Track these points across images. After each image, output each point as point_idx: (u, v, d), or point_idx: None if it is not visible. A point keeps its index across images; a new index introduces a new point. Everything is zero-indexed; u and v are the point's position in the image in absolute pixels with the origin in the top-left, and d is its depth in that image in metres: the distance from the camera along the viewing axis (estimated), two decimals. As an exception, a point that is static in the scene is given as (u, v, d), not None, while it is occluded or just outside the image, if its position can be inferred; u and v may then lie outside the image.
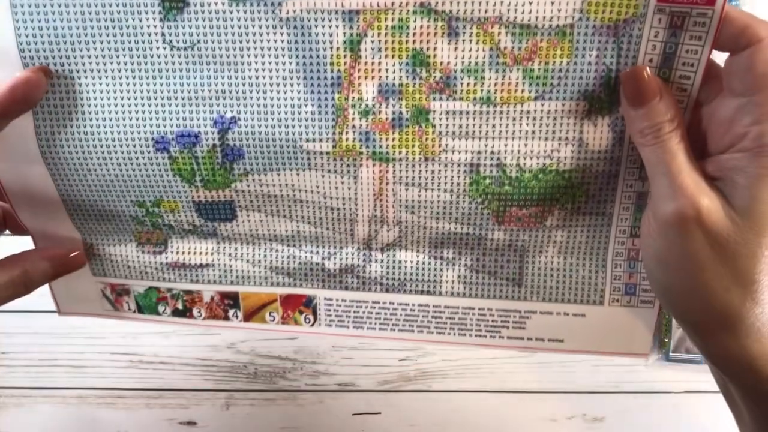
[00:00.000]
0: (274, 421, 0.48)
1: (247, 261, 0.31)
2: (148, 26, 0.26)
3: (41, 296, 0.40)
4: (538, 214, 0.28)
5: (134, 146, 0.27)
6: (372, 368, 0.48)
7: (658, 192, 0.23)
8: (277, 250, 0.31)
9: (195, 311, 0.33)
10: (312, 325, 0.32)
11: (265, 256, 0.31)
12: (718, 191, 0.23)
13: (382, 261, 0.30)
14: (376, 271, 0.30)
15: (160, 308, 0.33)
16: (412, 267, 0.30)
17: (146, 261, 0.32)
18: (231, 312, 0.33)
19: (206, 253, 0.31)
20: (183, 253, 0.31)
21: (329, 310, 0.32)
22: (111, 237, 0.31)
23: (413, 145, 0.27)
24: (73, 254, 0.31)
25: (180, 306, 0.33)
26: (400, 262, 0.30)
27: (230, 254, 0.31)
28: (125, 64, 0.26)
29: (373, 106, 0.26)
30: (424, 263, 0.30)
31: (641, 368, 0.47)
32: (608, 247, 0.28)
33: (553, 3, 0.24)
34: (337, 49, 0.26)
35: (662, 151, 0.23)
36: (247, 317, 0.33)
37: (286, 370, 0.48)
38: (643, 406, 0.46)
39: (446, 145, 0.27)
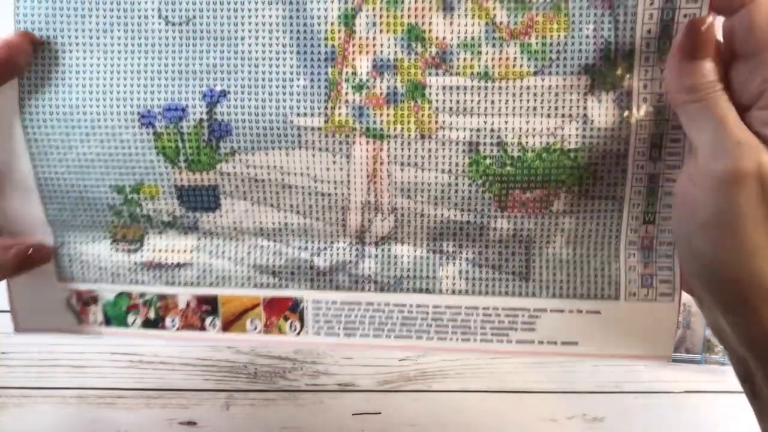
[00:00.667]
0: (274, 421, 0.49)
1: (229, 259, 0.30)
2: (146, 1, 0.27)
3: None
4: (543, 198, 0.27)
5: (119, 120, 0.27)
6: (372, 368, 0.49)
7: (709, 149, 0.22)
8: (262, 246, 0.29)
9: (168, 320, 0.31)
10: (298, 333, 0.30)
11: (249, 252, 0.29)
12: None
13: (376, 256, 0.29)
14: (370, 268, 0.29)
15: (129, 318, 0.31)
16: (409, 262, 0.29)
17: (120, 261, 0.30)
18: (208, 320, 0.30)
19: (185, 251, 0.30)
20: (160, 251, 0.30)
21: (318, 315, 0.30)
22: (84, 233, 0.30)
23: (409, 122, 0.27)
24: (39, 247, 0.29)
25: (152, 315, 0.31)
26: (396, 257, 0.29)
27: (211, 251, 0.30)
28: (119, 38, 0.27)
29: (368, 80, 0.26)
30: (422, 258, 0.29)
31: (641, 368, 0.48)
32: (621, 235, 0.27)
33: (548, -25, 0.25)
34: (332, 24, 0.26)
35: (716, 107, 0.22)
36: (226, 326, 0.30)
37: (286, 370, 0.49)
38: (643, 406, 0.47)
39: (443, 122, 0.27)
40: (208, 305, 0.30)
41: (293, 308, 0.30)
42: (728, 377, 0.50)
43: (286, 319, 0.30)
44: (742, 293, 0.22)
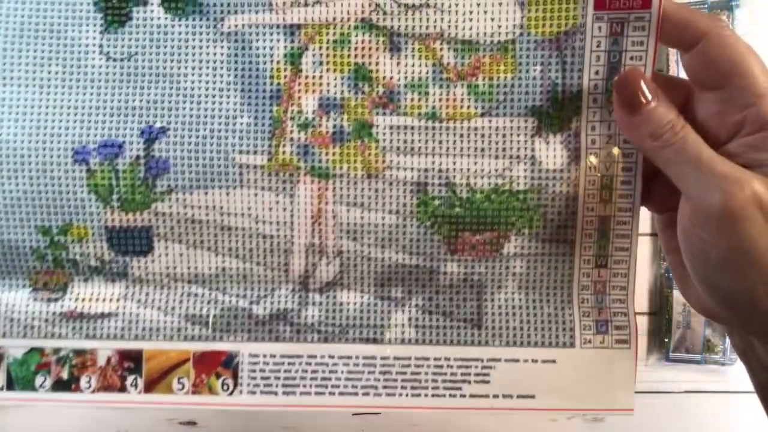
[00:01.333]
0: (274, 421, 0.49)
1: (159, 308, 0.28)
2: (87, 37, 0.27)
3: None
4: (493, 241, 0.27)
5: (51, 156, 0.26)
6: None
7: (697, 189, 0.23)
8: (196, 294, 0.28)
9: (83, 381, 0.28)
10: (231, 393, 0.28)
11: (181, 301, 0.28)
12: (758, 172, 0.22)
13: (320, 303, 0.28)
14: (313, 317, 0.28)
15: (38, 380, 0.28)
16: (355, 309, 0.27)
17: (37, 311, 0.28)
18: (129, 380, 0.28)
19: (111, 300, 0.28)
20: (84, 299, 0.28)
21: (254, 371, 0.28)
22: (1, 280, 0.28)
23: (355, 161, 0.27)
24: None
25: (65, 375, 0.28)
26: (341, 304, 0.28)
27: (140, 300, 0.28)
28: (56, 73, 0.27)
29: (313, 119, 0.27)
30: (369, 305, 0.28)
31: (641, 368, 0.48)
32: (573, 279, 0.27)
33: (493, 19, 0.26)
34: (278, 62, 0.27)
35: (688, 147, 0.23)
36: (149, 386, 0.28)
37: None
38: (643, 406, 0.47)
39: (391, 161, 0.27)
40: (131, 362, 0.28)
41: (227, 364, 0.28)
42: (728, 377, 0.51)
43: (218, 376, 0.28)
44: (763, 319, 0.22)
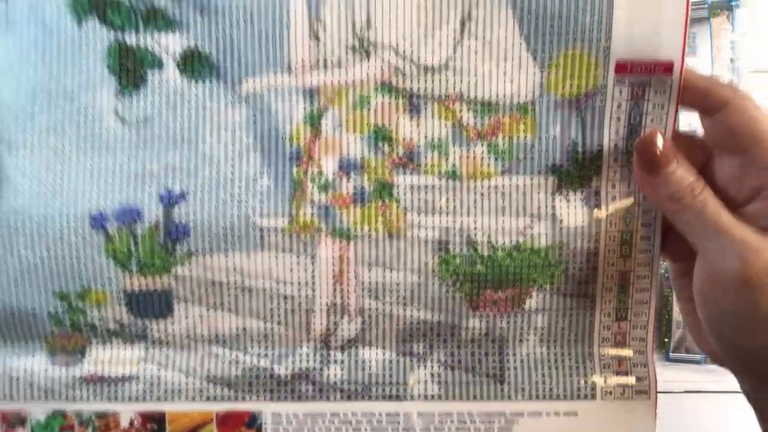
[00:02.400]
0: None
1: (180, 370, 0.29)
2: (101, 102, 0.27)
3: None
4: (515, 297, 0.28)
5: (68, 224, 0.27)
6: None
7: (715, 253, 0.24)
8: (217, 355, 0.29)
9: (107, 445, 0.29)
10: (256, 453, 0.29)
11: (202, 362, 0.29)
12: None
13: (342, 362, 0.29)
14: (335, 375, 0.29)
15: (62, 444, 0.29)
16: (377, 367, 0.29)
17: (56, 375, 0.29)
18: (154, 440, 0.29)
19: (131, 362, 0.29)
20: (103, 362, 0.29)
21: (277, 431, 0.29)
22: (18, 345, 0.29)
23: (376, 221, 0.28)
24: None
25: (88, 438, 0.29)
26: (363, 361, 0.29)
27: (160, 362, 0.29)
28: (70, 138, 0.27)
29: (334, 180, 0.28)
30: (391, 361, 0.29)
31: None
32: (594, 332, 0.28)
33: (512, 81, 0.27)
34: (297, 124, 0.27)
35: (707, 211, 0.24)
36: (175, 447, 0.29)
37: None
38: None
39: (412, 221, 0.28)
40: (154, 423, 0.29)
41: (250, 424, 0.29)
42: (728, 377, 0.51)
43: (242, 435, 0.29)
44: None
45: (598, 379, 0.28)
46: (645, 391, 0.28)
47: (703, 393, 0.53)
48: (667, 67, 0.26)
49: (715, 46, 0.54)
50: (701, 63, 0.55)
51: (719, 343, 0.26)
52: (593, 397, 0.28)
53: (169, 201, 0.27)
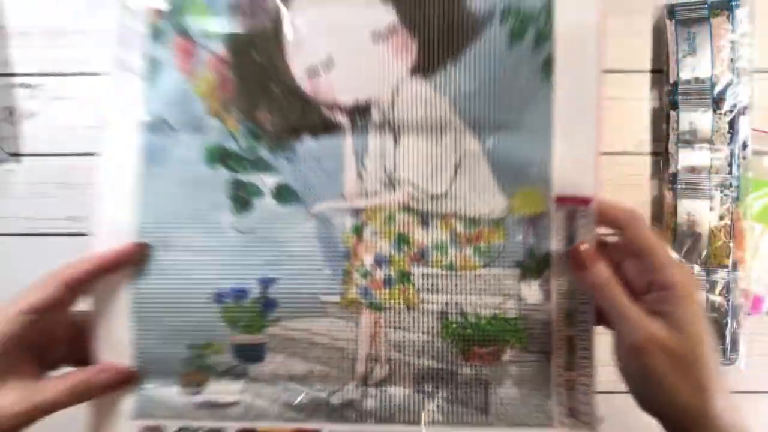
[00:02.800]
0: None
1: (267, 398, 0.43)
2: (223, 219, 0.43)
3: None
4: (495, 352, 0.41)
5: (198, 299, 0.42)
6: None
7: (622, 329, 0.36)
8: (291, 389, 0.43)
9: (217, 450, 0.43)
10: (316, 458, 0.42)
11: (281, 394, 0.43)
12: (660, 318, 0.35)
13: (375, 395, 0.42)
14: (371, 405, 0.42)
15: (186, 449, 0.43)
16: (400, 399, 0.42)
17: (183, 401, 0.43)
18: (247, 449, 0.43)
19: (234, 393, 0.43)
20: (216, 393, 0.43)
21: (331, 443, 0.42)
22: (159, 380, 0.44)
23: (399, 298, 0.42)
24: (131, 370, 0.42)
25: (204, 446, 0.43)
26: (390, 395, 0.42)
27: (254, 393, 0.43)
28: (204, 242, 0.43)
29: (371, 270, 0.42)
30: (409, 396, 0.42)
31: None
32: (551, 379, 0.41)
33: (488, 205, 0.41)
34: (347, 233, 0.42)
35: (615, 298, 0.37)
36: (261, 453, 0.43)
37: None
38: None
39: (423, 298, 0.42)
40: (248, 436, 0.43)
41: (314, 438, 0.42)
42: (728, 377, 0.52)
43: (308, 446, 0.42)
44: (677, 422, 0.35)
45: (554, 413, 0.40)
46: (589, 422, 0.40)
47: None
48: (587, 201, 0.39)
49: (715, 46, 0.54)
50: (701, 63, 0.55)
51: (636, 399, 0.38)
52: (551, 425, 0.40)
53: (265, 284, 0.42)
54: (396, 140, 0.42)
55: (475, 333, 0.41)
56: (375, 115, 0.42)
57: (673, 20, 0.55)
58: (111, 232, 0.42)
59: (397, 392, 0.42)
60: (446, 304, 0.42)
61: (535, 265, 0.41)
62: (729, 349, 0.54)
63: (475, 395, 0.41)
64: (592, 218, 0.40)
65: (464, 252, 0.42)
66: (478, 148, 0.41)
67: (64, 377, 0.40)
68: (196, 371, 0.43)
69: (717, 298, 0.54)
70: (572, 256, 0.39)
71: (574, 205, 0.40)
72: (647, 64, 0.58)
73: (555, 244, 0.41)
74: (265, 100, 0.43)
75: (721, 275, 0.54)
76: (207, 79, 0.43)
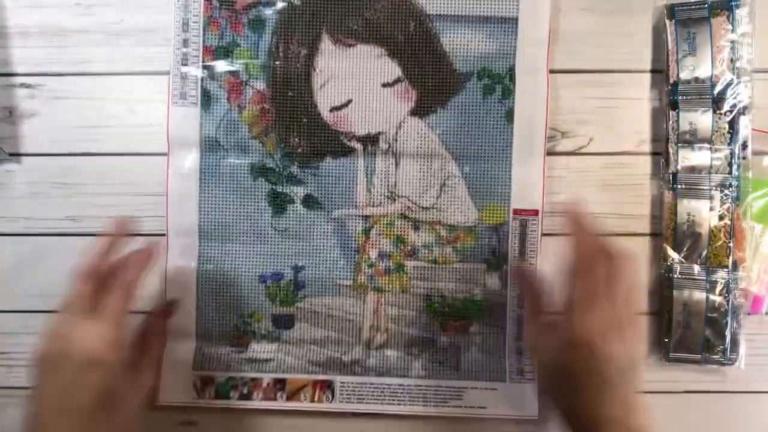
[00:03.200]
0: (276, 421, 0.58)
1: (294, 356, 0.57)
2: (264, 220, 0.58)
3: (40, 297, 0.58)
4: (465, 326, 0.56)
5: (246, 280, 0.57)
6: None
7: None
8: (312, 349, 0.57)
9: (254, 395, 0.58)
10: (330, 402, 0.57)
11: (305, 353, 0.57)
12: (552, 331, 0.46)
13: (376, 356, 0.57)
14: (372, 363, 0.56)
15: (231, 394, 0.58)
16: (394, 359, 0.56)
17: (232, 358, 0.58)
18: (279, 394, 0.58)
19: (270, 352, 0.58)
20: (257, 351, 0.58)
21: (342, 390, 0.57)
22: (215, 342, 0.58)
23: (396, 284, 0.56)
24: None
25: (245, 391, 0.58)
26: (387, 356, 0.57)
27: (285, 352, 0.57)
28: (248, 238, 0.57)
29: (375, 262, 0.57)
30: (401, 357, 0.56)
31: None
32: (505, 346, 0.55)
33: (464, 215, 0.56)
34: (358, 233, 0.57)
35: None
36: (289, 397, 0.57)
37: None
38: None
39: (414, 284, 0.56)
40: (280, 384, 0.57)
41: (329, 386, 0.57)
42: (728, 377, 0.55)
43: (323, 392, 0.57)
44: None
45: (507, 371, 0.55)
46: (532, 379, 0.55)
47: (703, 393, 0.54)
48: (535, 212, 0.54)
49: (715, 46, 0.54)
50: (701, 63, 0.54)
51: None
52: (504, 380, 0.55)
53: (296, 270, 0.57)
54: (397, 164, 0.57)
55: (451, 311, 0.56)
56: (382, 143, 0.57)
57: (673, 20, 0.54)
58: (180, 232, 0.57)
59: (392, 354, 0.57)
60: (431, 289, 0.56)
61: (496, 262, 0.55)
62: (729, 349, 0.53)
63: (450, 357, 0.56)
64: (539, 227, 0.54)
65: (445, 250, 0.56)
66: (458, 173, 0.56)
67: (149, 362, 0.52)
68: (242, 335, 0.58)
69: (717, 298, 0.53)
70: (515, 275, 0.54)
71: (525, 216, 0.54)
72: (647, 64, 0.57)
73: (510, 246, 0.55)
74: (296, 128, 0.57)
75: (721, 275, 0.53)
76: (251, 110, 0.57)
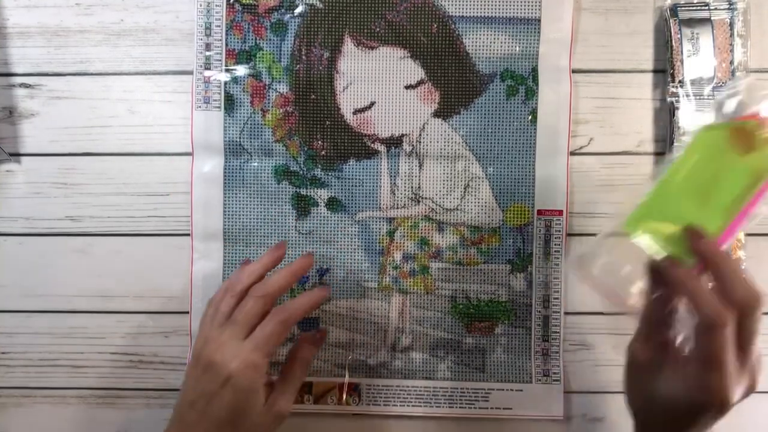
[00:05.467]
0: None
1: (320, 359, 0.61)
2: (289, 223, 0.61)
3: (41, 297, 0.60)
4: (490, 327, 0.58)
5: (271, 282, 0.60)
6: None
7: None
8: (339, 352, 0.61)
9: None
10: (357, 404, 0.60)
11: (331, 355, 0.61)
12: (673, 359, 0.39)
13: (402, 358, 0.60)
14: (398, 365, 0.59)
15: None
16: (420, 361, 0.59)
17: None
18: (305, 397, 0.61)
19: (295, 354, 0.61)
20: (282, 355, 0.61)
21: (369, 393, 0.60)
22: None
23: (420, 286, 0.59)
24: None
25: (271, 393, 0.61)
26: (413, 358, 0.59)
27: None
28: (273, 241, 0.60)
29: (400, 264, 0.60)
30: (427, 359, 0.59)
31: None
32: (531, 347, 0.58)
33: (489, 217, 0.59)
34: (383, 235, 0.60)
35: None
36: (316, 400, 0.60)
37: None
38: None
39: (438, 285, 0.59)
40: (307, 387, 0.60)
41: (355, 389, 0.60)
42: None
43: (350, 395, 0.60)
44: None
45: (533, 373, 0.58)
46: (558, 380, 0.57)
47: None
48: (559, 212, 0.57)
49: (716, 46, 0.56)
50: (703, 63, 0.56)
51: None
52: (530, 381, 0.58)
53: (321, 272, 0.60)
54: (421, 165, 0.59)
55: (476, 312, 0.59)
56: (405, 145, 0.59)
57: (676, 20, 0.56)
58: (204, 236, 0.60)
59: (418, 356, 0.60)
60: (455, 290, 0.59)
61: (521, 262, 0.58)
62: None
63: (475, 358, 0.59)
64: (563, 227, 0.57)
65: (470, 252, 0.59)
66: (482, 174, 0.59)
67: (289, 390, 0.50)
68: (266, 337, 0.61)
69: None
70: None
71: (550, 216, 0.57)
72: (648, 64, 0.59)
73: (535, 246, 0.58)
74: (320, 131, 0.60)
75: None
76: (274, 114, 0.60)
